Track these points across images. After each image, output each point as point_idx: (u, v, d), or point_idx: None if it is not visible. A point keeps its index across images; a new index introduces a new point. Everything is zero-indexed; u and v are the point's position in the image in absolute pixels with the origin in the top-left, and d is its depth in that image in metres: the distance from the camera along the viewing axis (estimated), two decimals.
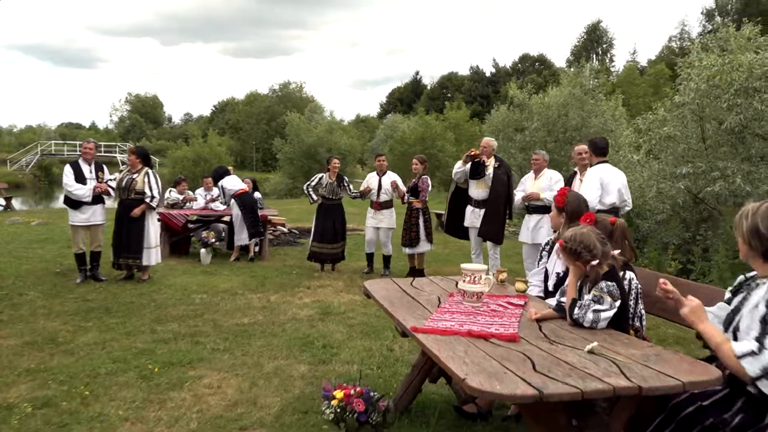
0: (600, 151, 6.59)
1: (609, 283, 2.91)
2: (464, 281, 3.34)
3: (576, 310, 2.93)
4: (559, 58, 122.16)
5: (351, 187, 9.26)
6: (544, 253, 4.03)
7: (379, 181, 9.05)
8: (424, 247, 8.84)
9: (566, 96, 16.86)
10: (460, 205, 8.33)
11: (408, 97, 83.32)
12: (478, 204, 8.09)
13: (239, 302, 6.96)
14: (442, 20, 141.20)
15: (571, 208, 3.82)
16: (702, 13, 59.41)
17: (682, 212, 10.61)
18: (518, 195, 8.11)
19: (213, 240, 9.76)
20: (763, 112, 9.26)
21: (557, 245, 3.93)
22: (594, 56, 55.20)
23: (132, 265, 8.02)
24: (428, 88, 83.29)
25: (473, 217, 8.13)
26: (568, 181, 7.32)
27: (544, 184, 7.75)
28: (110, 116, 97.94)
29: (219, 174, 10.21)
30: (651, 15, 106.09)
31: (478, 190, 8.07)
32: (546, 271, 3.98)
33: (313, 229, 9.19)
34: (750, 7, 54.88)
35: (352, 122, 66.83)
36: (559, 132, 16.68)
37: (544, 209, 7.73)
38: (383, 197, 9.03)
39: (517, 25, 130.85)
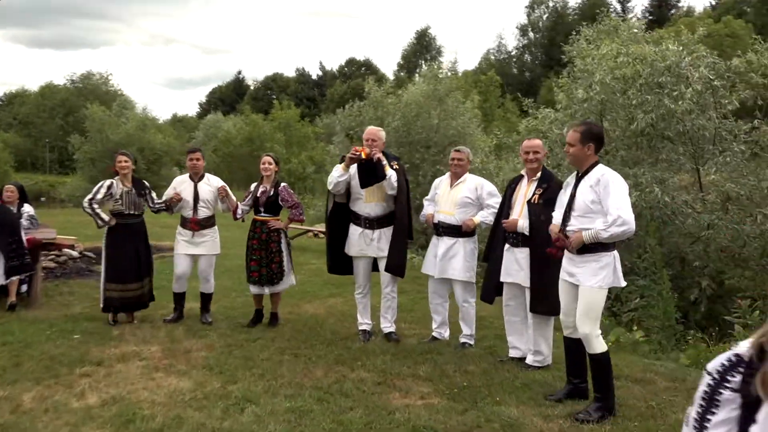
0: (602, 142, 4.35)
1: None
2: None
3: None
4: (387, 63, 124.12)
5: (154, 196, 6.31)
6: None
7: (195, 188, 6.24)
8: (287, 282, 6.19)
9: (425, 94, 15.08)
10: (342, 228, 5.79)
11: (230, 97, 79.01)
12: (370, 224, 5.61)
13: None
14: (265, 21, 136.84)
15: None
16: (517, 27, 63.12)
17: None
18: (427, 207, 5.81)
19: None
20: (674, 111, 7.93)
21: None
22: (423, 62, 55.65)
23: None
24: (252, 88, 79.65)
25: (362, 243, 5.64)
26: (511, 189, 5.13)
27: (465, 194, 5.50)
28: None
29: None
30: (470, 28, 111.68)
31: (371, 204, 5.59)
32: None
33: (104, 264, 6.07)
34: (558, 25, 59.17)
35: (169, 122, 60.95)
36: (416, 133, 14.83)
37: (459, 231, 5.47)
38: (203, 212, 6.22)
39: (344, 29, 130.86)
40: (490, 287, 5.20)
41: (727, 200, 7.54)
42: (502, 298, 5.17)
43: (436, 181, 5.89)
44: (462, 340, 5.62)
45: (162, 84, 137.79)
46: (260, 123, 32.83)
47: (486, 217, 5.43)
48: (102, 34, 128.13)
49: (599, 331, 4.00)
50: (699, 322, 8.09)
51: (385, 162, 5.42)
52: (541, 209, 4.79)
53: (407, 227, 5.63)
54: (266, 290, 6.12)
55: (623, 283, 4.08)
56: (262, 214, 6.09)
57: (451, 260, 5.49)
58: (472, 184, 5.59)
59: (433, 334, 5.81)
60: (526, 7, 62.70)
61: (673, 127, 8.12)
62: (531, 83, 56.15)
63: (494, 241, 5.21)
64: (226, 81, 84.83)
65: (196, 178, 6.31)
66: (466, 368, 4.93)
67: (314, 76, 76.58)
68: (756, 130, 8.36)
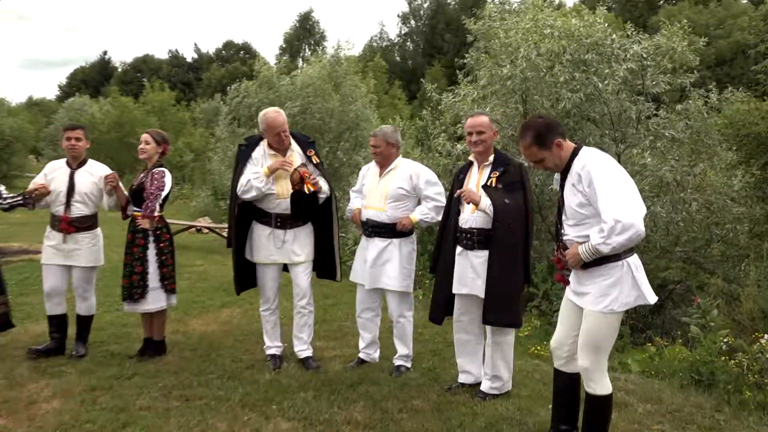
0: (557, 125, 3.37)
1: None
2: None
3: None
4: (268, 47, 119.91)
5: (3, 190, 4.69)
6: None
7: (71, 176, 4.71)
8: (157, 301, 4.70)
9: (322, 77, 13.89)
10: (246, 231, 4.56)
11: (95, 80, 72.69)
12: (282, 222, 4.43)
13: None
14: None
15: None
16: (398, 15, 62.98)
17: None
18: (354, 200, 4.72)
19: None
20: (601, 92, 7.37)
21: None
22: (306, 47, 54.00)
23: None
24: (119, 70, 73.88)
25: (272, 246, 4.45)
26: (459, 180, 4.13)
27: (397, 185, 4.44)
28: None
29: None
30: (353, 14, 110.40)
31: (285, 200, 4.40)
32: None
33: None
34: (439, 14, 59.69)
35: (23, 105, 54.83)
36: (311, 117, 13.60)
37: (392, 230, 4.42)
38: (78, 209, 4.70)
39: (220, 10, 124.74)
40: (439, 304, 4.19)
41: (660, 186, 7.09)
42: (453, 312, 4.19)
43: (364, 168, 4.80)
44: (397, 362, 4.59)
45: (16, 64, 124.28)
46: (130, 106, 29.91)
47: (426, 213, 4.40)
48: None
49: (606, 367, 3.10)
50: (625, 320, 7.64)
51: (312, 181, 4.34)
52: (501, 194, 3.84)
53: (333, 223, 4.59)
54: (126, 306, 4.71)
55: (652, 298, 3.03)
56: (134, 209, 4.71)
57: (384, 266, 4.43)
58: (405, 171, 4.51)
59: (360, 355, 4.74)
60: None
61: (599, 108, 7.57)
62: (414, 71, 56.23)
63: (443, 245, 4.21)
64: (89, 62, 77.97)
65: (75, 164, 4.77)
66: (411, 404, 3.91)
67: (189, 59, 72.40)
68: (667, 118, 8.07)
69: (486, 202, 3.80)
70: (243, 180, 4.31)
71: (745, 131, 6.89)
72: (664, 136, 7.32)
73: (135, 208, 4.67)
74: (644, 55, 7.18)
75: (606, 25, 7.86)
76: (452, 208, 4.14)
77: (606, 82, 7.30)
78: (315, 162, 4.49)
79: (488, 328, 4.01)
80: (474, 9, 10.93)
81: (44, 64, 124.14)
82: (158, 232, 4.67)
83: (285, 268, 4.66)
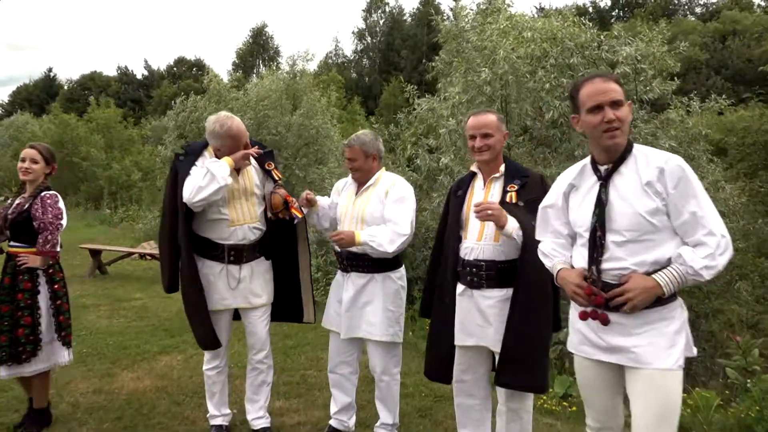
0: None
1: None
2: None
3: None
4: (221, 63, 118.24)
5: None
6: None
7: None
8: (51, 357, 3.65)
9: (279, 90, 13.01)
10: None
11: (39, 97, 69.89)
12: (237, 255, 3.45)
13: None
14: (80, 15, 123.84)
15: None
16: (353, 33, 62.30)
17: None
18: (323, 220, 3.76)
19: None
20: None
21: None
22: (261, 62, 52.84)
23: None
24: (65, 88, 71.21)
25: (225, 287, 3.46)
26: (458, 198, 3.20)
27: (376, 205, 3.47)
28: None
29: None
30: (307, 31, 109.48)
31: (242, 228, 3.45)
32: None
33: None
34: (395, 30, 59.38)
35: None
36: (267, 133, 12.63)
37: (374, 263, 3.44)
38: None
39: (171, 25, 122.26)
40: (440, 357, 3.24)
41: None
42: (453, 369, 3.24)
43: (339, 183, 3.81)
44: None
45: None
46: (73, 123, 28.18)
47: (373, 237, 3.28)
48: None
49: None
50: None
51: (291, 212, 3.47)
52: (525, 214, 2.91)
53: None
54: (2, 373, 3.56)
55: (695, 350, 2.33)
56: (12, 243, 3.63)
57: (364, 309, 3.45)
58: (383, 187, 3.50)
59: (332, 422, 3.73)
60: (363, 11, 62.13)
61: None
62: (370, 88, 55.65)
63: (438, 283, 3.26)
64: (34, 79, 74.96)
65: None
66: None
67: (139, 76, 70.30)
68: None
69: (513, 224, 2.87)
70: (197, 176, 3.27)
71: (751, 140, 6.23)
72: (661, 146, 6.60)
73: (14, 243, 3.60)
74: (638, 58, 6.47)
75: (590, 24, 7.18)
76: (449, 233, 3.21)
77: None
78: (276, 177, 3.54)
79: (502, 390, 3.08)
80: (432, 21, 10.16)
81: None
82: (50, 271, 3.63)
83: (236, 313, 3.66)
